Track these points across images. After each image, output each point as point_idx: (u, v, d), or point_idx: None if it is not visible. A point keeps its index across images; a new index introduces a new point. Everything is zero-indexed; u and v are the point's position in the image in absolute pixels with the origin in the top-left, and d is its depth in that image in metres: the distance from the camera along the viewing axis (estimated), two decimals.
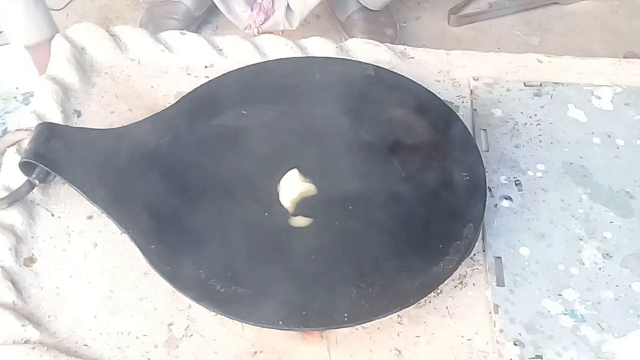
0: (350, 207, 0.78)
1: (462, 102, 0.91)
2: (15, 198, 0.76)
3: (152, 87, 0.91)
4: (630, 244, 0.77)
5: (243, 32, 1.36)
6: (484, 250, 0.77)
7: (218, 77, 0.86)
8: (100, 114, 0.87)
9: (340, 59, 0.90)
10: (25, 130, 0.81)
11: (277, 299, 0.69)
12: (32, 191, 0.78)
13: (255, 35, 0.97)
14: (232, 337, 0.71)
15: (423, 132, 0.82)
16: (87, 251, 0.76)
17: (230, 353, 0.70)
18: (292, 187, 0.79)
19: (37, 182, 0.77)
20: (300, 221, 0.78)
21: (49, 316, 0.71)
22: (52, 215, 0.78)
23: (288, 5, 1.35)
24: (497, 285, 0.74)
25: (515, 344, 0.70)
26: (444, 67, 0.94)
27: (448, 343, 0.71)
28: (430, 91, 0.85)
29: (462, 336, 0.71)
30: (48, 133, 0.78)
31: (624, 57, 1.04)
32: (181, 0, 1.47)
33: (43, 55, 0.99)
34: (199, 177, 0.80)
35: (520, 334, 0.71)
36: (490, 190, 0.81)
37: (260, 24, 1.36)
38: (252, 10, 1.35)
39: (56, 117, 0.84)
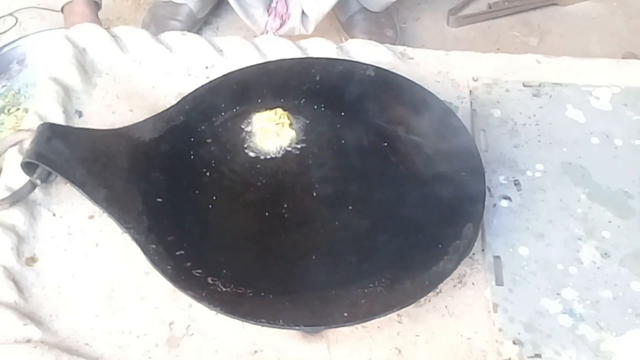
0: (350, 207, 0.78)
1: (462, 102, 0.91)
2: (17, 198, 0.77)
3: (153, 87, 0.91)
4: (628, 244, 0.78)
5: (244, 33, 1.36)
6: (483, 250, 0.78)
7: (219, 78, 0.87)
8: (102, 114, 0.88)
9: (340, 59, 0.90)
10: (27, 130, 0.81)
11: (278, 298, 0.69)
12: (34, 191, 0.78)
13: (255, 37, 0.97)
14: (233, 336, 0.71)
15: (422, 132, 0.82)
16: (88, 251, 0.76)
17: (230, 352, 0.70)
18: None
19: (38, 182, 0.77)
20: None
21: (51, 315, 0.71)
22: (54, 215, 0.79)
23: (303, 11, 1.36)
24: (496, 285, 0.74)
25: (514, 343, 0.70)
26: (444, 68, 0.94)
27: (447, 342, 0.71)
28: (429, 92, 0.85)
29: (462, 335, 0.72)
30: (49, 133, 0.78)
31: (623, 58, 1.04)
32: (185, 2, 1.47)
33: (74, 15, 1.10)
34: (200, 177, 0.80)
35: (519, 333, 0.71)
36: (489, 190, 0.81)
37: (277, 29, 1.36)
38: (269, 16, 1.36)
39: (58, 118, 0.84)
